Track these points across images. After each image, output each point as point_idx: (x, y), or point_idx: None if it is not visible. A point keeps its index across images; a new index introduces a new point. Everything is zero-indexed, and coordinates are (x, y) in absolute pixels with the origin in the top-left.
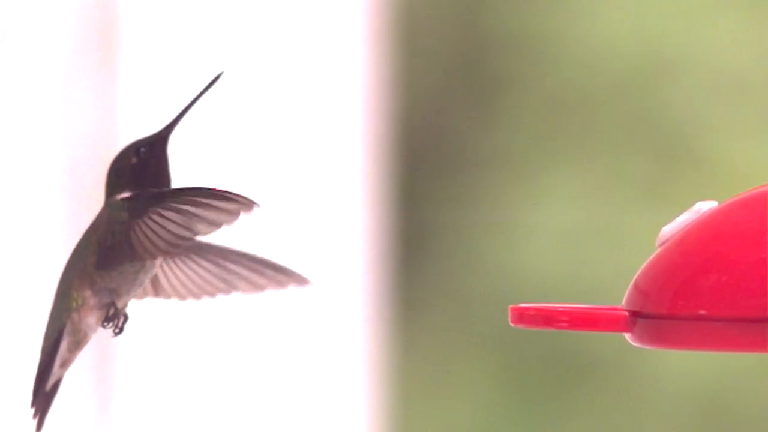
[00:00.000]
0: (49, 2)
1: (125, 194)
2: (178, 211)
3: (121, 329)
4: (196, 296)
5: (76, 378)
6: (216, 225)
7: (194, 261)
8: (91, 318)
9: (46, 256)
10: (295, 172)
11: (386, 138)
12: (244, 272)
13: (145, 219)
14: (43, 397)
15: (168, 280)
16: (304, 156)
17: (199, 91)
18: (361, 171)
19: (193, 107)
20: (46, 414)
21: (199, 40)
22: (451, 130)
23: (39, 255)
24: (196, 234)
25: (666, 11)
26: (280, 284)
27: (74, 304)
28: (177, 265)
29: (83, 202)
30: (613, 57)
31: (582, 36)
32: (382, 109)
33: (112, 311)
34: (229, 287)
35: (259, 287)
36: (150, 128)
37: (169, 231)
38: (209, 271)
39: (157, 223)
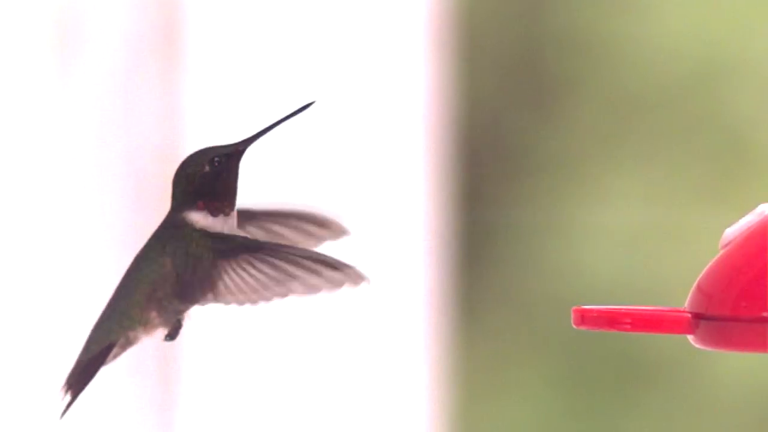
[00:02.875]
0: (112, 3)
1: (199, 214)
2: (274, 267)
3: (174, 336)
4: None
5: (140, 377)
6: (315, 290)
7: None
8: (151, 332)
9: (108, 260)
10: (357, 174)
11: (447, 140)
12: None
13: (234, 266)
14: (78, 384)
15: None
16: (365, 158)
17: (285, 115)
18: (422, 173)
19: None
20: (77, 395)
21: (261, 43)
22: (512, 131)
23: (102, 259)
24: (290, 294)
25: (727, 14)
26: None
27: (135, 324)
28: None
29: (145, 205)
30: (674, 59)
31: (642, 38)
32: (443, 112)
33: (172, 329)
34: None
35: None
36: (212, 130)
37: (260, 283)
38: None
39: (247, 272)
